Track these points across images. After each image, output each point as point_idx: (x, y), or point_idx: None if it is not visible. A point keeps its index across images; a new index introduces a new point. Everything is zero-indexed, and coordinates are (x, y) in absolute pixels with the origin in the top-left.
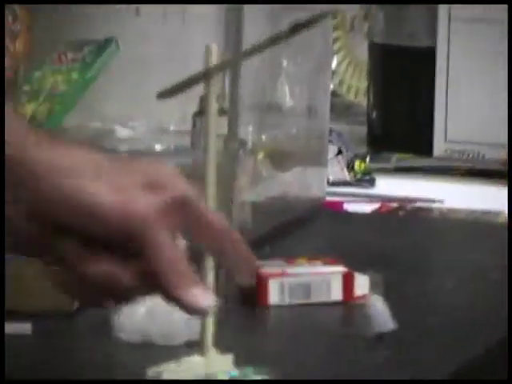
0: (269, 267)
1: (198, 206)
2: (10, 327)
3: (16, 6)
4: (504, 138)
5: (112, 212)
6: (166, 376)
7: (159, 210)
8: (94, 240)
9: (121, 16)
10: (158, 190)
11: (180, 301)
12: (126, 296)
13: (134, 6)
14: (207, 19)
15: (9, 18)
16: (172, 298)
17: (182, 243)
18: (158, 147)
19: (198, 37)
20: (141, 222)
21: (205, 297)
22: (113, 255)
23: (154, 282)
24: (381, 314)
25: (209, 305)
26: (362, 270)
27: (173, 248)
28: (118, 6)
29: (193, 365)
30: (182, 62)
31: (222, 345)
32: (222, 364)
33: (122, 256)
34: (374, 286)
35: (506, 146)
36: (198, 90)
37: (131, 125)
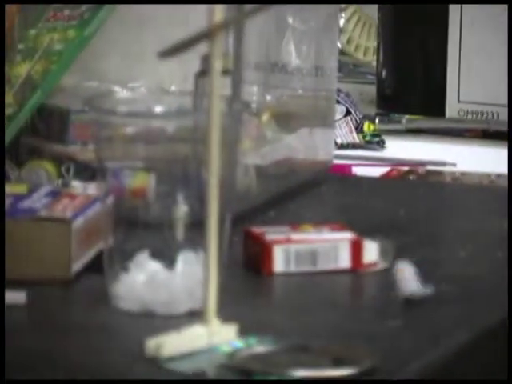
0: (273, 233)
1: None
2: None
3: None
4: None
5: None
6: (167, 348)
7: None
8: None
9: None
10: None
11: None
12: None
13: None
14: None
15: None
16: None
17: (183, 209)
18: (158, 109)
19: None
20: None
21: None
22: None
23: None
24: (411, 278)
25: None
26: (371, 237)
27: None
28: None
29: (195, 335)
30: (184, 19)
31: (225, 315)
32: (225, 334)
33: None
34: (383, 254)
35: None
36: (201, 48)
37: (131, 85)
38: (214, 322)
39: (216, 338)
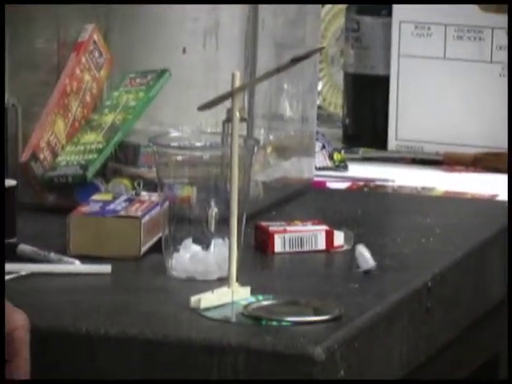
0: (274, 226)
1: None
2: (94, 268)
3: (100, 44)
4: (437, 137)
5: None
6: (204, 302)
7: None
8: None
9: (173, 53)
10: None
11: None
12: None
13: (181, 47)
14: (232, 45)
15: (95, 53)
16: None
17: (215, 210)
18: (198, 144)
19: (226, 61)
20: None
21: None
22: None
23: None
24: (366, 256)
25: None
26: (339, 228)
27: None
28: (169, 46)
29: (222, 294)
30: (215, 84)
31: (242, 280)
32: (243, 293)
33: None
34: (347, 240)
35: (439, 143)
36: (226, 104)
37: (180, 128)
38: (235, 285)
39: (236, 296)
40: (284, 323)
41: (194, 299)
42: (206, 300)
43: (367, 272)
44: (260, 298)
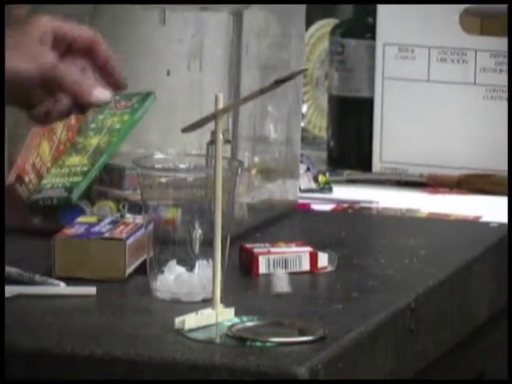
0: (259, 248)
1: (103, 49)
2: (79, 289)
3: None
4: (422, 159)
5: (31, 74)
6: (188, 323)
7: (65, 57)
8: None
9: (157, 75)
10: (62, 42)
11: (87, 102)
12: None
13: (166, 70)
14: (217, 68)
15: None
16: (82, 102)
17: (199, 232)
18: (182, 166)
19: (210, 83)
20: (52, 70)
21: (102, 92)
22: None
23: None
24: (282, 281)
25: (105, 97)
26: (323, 250)
27: (78, 74)
28: (153, 68)
29: (206, 315)
30: (199, 106)
31: (227, 301)
32: (227, 315)
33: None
34: (331, 261)
35: (424, 165)
36: (210, 126)
37: (167, 151)
38: (220, 306)
39: (220, 317)
40: (268, 344)
41: (178, 320)
42: (190, 321)
43: (279, 295)
44: (244, 319)
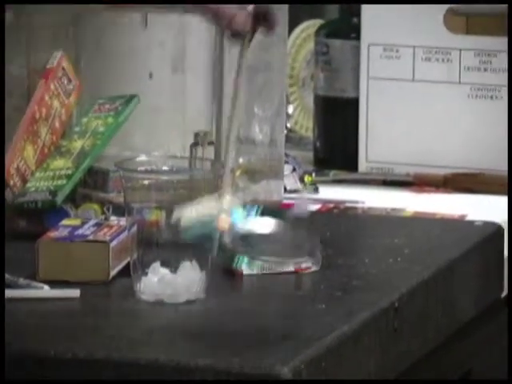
0: None
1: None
2: (63, 292)
3: (69, 71)
4: (407, 159)
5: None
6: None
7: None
8: None
9: (139, 79)
10: None
11: None
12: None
13: (148, 73)
14: (200, 70)
15: (64, 80)
16: None
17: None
18: (165, 168)
19: (193, 85)
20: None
21: None
22: None
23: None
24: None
25: None
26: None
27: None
28: (136, 73)
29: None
30: (183, 108)
31: (211, 302)
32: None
33: None
34: (315, 260)
35: (410, 164)
36: (193, 127)
37: (149, 153)
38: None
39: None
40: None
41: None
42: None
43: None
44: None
